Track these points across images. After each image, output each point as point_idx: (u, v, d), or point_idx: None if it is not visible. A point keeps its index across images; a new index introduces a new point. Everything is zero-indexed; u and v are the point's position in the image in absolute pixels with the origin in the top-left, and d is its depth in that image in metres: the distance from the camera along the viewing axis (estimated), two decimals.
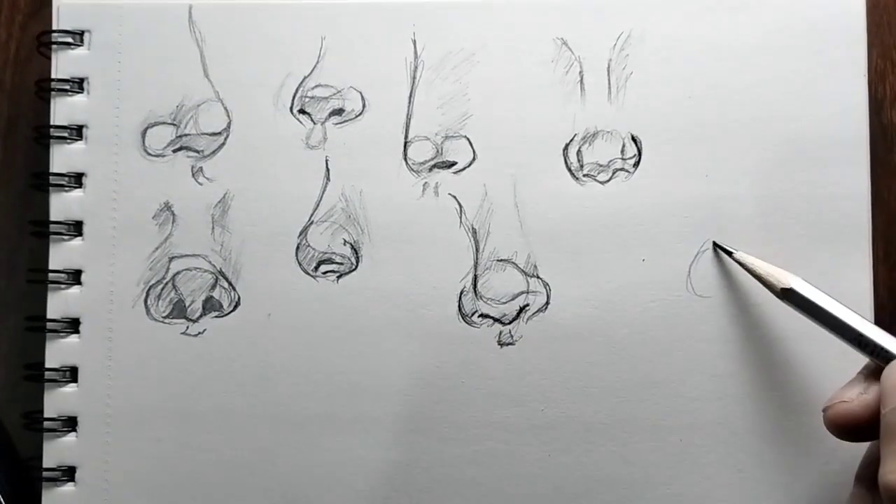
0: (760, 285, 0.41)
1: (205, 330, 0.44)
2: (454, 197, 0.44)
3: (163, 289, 0.44)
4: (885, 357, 0.36)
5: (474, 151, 0.44)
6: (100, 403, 0.44)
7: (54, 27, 0.45)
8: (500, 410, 0.43)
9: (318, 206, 0.44)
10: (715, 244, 0.42)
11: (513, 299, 0.43)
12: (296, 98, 0.44)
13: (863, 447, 0.38)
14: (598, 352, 0.43)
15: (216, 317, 0.44)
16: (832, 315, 0.38)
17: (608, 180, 0.43)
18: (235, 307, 0.44)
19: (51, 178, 0.44)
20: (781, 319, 0.42)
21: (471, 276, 0.43)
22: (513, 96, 0.44)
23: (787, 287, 0.39)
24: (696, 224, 0.43)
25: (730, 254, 0.42)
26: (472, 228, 0.43)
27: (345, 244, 0.44)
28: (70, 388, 0.44)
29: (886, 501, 0.32)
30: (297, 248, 0.44)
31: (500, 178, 0.44)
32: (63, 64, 0.45)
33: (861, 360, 0.39)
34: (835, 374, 0.42)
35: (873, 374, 0.36)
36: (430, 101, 0.44)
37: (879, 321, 0.43)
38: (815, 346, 0.42)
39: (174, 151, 0.44)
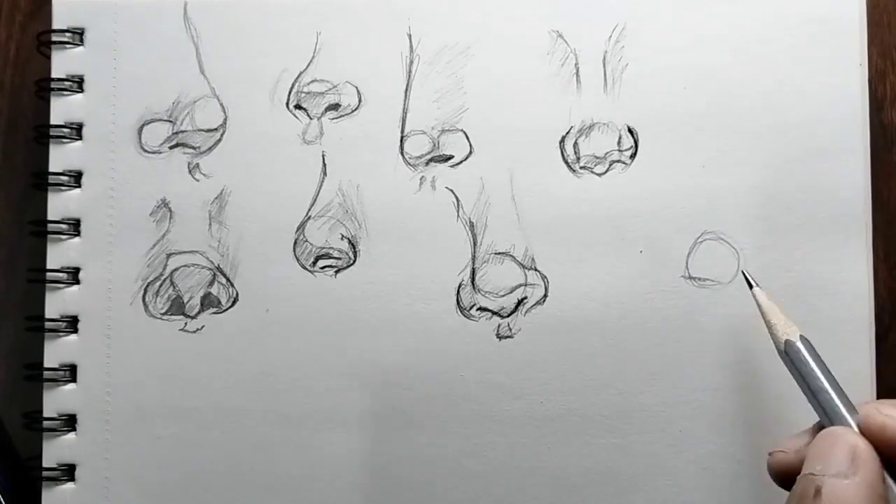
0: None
1: (203, 326, 0.44)
2: (451, 191, 0.44)
3: (161, 285, 0.44)
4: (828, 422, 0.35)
5: (471, 145, 0.44)
6: (99, 401, 0.44)
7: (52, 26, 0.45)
8: (499, 403, 0.43)
9: (315, 201, 0.44)
10: (744, 273, 0.41)
11: (511, 292, 0.43)
12: (292, 93, 0.44)
13: None
14: (597, 343, 0.42)
15: (214, 313, 0.44)
16: (818, 381, 0.36)
17: (605, 172, 0.43)
18: (234, 303, 0.44)
19: (49, 177, 0.44)
20: None
21: (469, 270, 0.43)
22: (509, 89, 0.44)
23: (788, 339, 0.38)
24: (693, 215, 0.43)
25: (751, 286, 0.41)
26: (470, 222, 0.43)
27: (342, 239, 0.44)
28: (69, 387, 0.44)
29: None
30: (295, 243, 0.44)
31: (496, 172, 0.43)
32: (60, 62, 0.45)
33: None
34: (833, 366, 0.42)
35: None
36: (427, 95, 0.44)
37: (879, 321, 0.43)
38: (814, 337, 0.42)
39: (171, 148, 0.44)
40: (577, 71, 0.44)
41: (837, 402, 0.35)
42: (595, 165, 0.43)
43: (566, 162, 0.43)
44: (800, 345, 0.37)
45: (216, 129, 0.44)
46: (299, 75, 0.44)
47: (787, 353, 0.38)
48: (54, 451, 0.43)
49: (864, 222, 0.42)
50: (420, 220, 0.43)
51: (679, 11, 0.44)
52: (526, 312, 0.43)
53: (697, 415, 0.42)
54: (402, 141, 0.44)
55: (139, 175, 0.44)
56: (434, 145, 0.44)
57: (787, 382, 0.42)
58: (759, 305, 0.40)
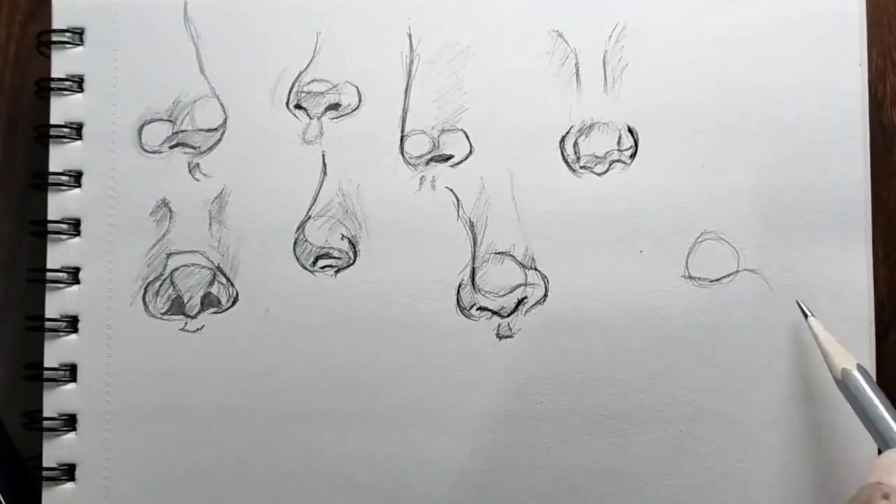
0: (756, 275, 0.41)
1: (203, 326, 0.44)
2: (451, 190, 0.44)
3: (161, 285, 0.44)
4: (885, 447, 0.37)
5: (471, 144, 0.44)
6: (99, 401, 0.44)
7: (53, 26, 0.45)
8: (498, 403, 0.43)
9: (315, 200, 0.44)
10: (798, 303, 0.41)
11: (511, 292, 0.43)
12: (292, 93, 0.44)
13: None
14: (597, 343, 0.42)
15: (214, 313, 0.44)
16: (875, 408, 0.37)
17: (605, 172, 0.43)
18: (234, 303, 0.44)
19: (49, 177, 0.44)
20: (780, 310, 0.42)
21: (469, 270, 0.43)
22: (509, 89, 0.44)
23: (845, 368, 0.39)
24: (693, 215, 0.43)
25: (806, 316, 0.41)
26: (470, 221, 0.43)
27: (342, 239, 0.44)
28: (69, 387, 0.44)
29: None
30: (295, 243, 0.44)
31: (496, 171, 0.43)
32: (60, 62, 0.45)
33: None
34: None
35: None
36: (427, 95, 0.44)
37: (879, 321, 0.43)
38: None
39: (171, 148, 0.44)
40: (577, 71, 0.44)
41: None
42: (595, 165, 0.43)
43: (566, 162, 0.43)
44: (857, 374, 0.38)
45: (216, 129, 0.44)
46: (299, 75, 0.44)
47: (845, 382, 0.38)
48: (54, 451, 0.43)
49: (864, 222, 0.42)
50: (420, 220, 0.43)
51: (679, 11, 0.44)
52: (526, 312, 0.43)
53: (698, 414, 0.42)
54: (402, 141, 0.44)
55: (139, 175, 0.44)
56: (434, 145, 0.44)
57: (786, 382, 0.42)
58: (815, 336, 0.40)
